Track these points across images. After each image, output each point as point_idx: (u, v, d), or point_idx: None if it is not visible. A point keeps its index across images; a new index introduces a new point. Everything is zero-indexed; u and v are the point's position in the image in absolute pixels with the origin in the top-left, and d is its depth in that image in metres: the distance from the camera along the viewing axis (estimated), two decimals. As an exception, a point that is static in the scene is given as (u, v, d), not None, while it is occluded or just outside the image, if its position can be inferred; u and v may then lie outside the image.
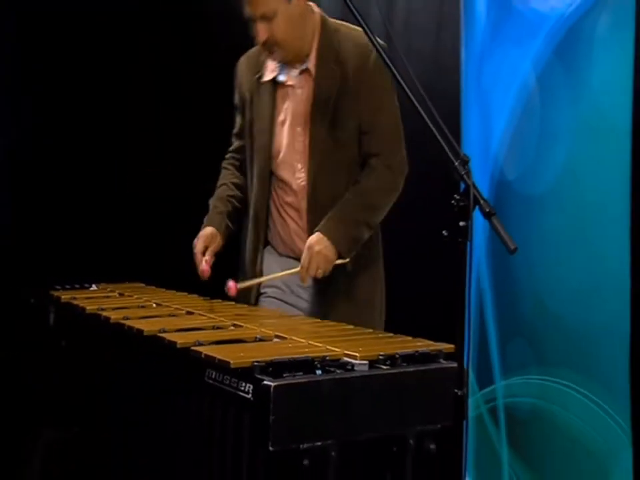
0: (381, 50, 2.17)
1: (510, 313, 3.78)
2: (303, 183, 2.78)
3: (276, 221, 2.87)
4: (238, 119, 3.00)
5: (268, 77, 2.79)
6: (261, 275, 2.90)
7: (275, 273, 2.86)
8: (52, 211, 4.22)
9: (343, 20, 2.88)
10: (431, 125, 2.04)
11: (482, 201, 1.94)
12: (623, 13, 3.50)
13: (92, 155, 4.61)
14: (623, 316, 3.48)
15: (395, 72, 2.12)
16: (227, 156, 3.12)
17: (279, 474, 1.94)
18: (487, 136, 3.84)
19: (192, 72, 4.74)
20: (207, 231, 2.89)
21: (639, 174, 3.44)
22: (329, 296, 2.79)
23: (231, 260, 3.04)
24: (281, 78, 2.77)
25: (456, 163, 1.98)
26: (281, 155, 2.80)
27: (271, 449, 1.86)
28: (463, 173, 1.97)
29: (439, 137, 2.03)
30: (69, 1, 4.60)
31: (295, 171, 2.80)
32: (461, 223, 1.91)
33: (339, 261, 2.69)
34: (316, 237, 2.67)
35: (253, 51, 2.90)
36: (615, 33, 3.54)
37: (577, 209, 3.62)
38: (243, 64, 2.94)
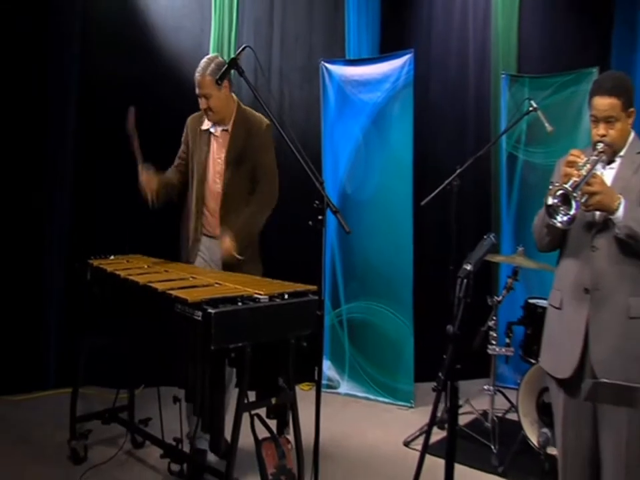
0: (276, 122, 2.17)
1: (349, 265, 3.76)
2: (219, 191, 2.63)
3: (205, 213, 2.68)
4: (183, 148, 2.76)
5: (204, 127, 2.67)
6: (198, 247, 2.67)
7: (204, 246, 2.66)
8: (89, 209, 3.79)
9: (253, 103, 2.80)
10: (303, 163, 2.02)
11: (331, 204, 1.96)
12: (407, 102, 3.53)
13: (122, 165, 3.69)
14: (408, 265, 3.52)
15: (283, 133, 2.08)
16: (175, 164, 2.78)
17: (217, 362, 1.91)
18: (336, 168, 3.79)
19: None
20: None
21: (417, 191, 3.45)
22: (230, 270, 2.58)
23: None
24: (212, 130, 2.65)
25: (317, 184, 1.98)
26: (209, 172, 2.65)
27: (212, 347, 1.86)
28: (320, 189, 1.96)
29: (307, 169, 2.02)
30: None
31: (214, 183, 2.64)
32: (319, 217, 1.92)
33: (236, 255, 2.50)
34: (227, 234, 2.51)
35: (196, 114, 2.74)
36: (402, 112, 3.56)
37: (384, 208, 3.62)
38: (191, 120, 2.75)
